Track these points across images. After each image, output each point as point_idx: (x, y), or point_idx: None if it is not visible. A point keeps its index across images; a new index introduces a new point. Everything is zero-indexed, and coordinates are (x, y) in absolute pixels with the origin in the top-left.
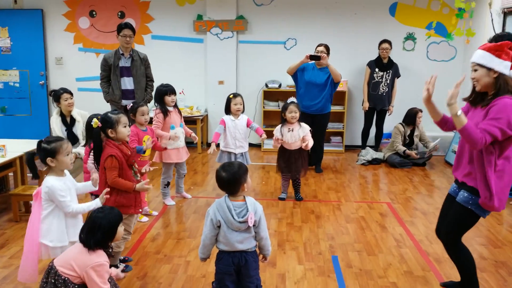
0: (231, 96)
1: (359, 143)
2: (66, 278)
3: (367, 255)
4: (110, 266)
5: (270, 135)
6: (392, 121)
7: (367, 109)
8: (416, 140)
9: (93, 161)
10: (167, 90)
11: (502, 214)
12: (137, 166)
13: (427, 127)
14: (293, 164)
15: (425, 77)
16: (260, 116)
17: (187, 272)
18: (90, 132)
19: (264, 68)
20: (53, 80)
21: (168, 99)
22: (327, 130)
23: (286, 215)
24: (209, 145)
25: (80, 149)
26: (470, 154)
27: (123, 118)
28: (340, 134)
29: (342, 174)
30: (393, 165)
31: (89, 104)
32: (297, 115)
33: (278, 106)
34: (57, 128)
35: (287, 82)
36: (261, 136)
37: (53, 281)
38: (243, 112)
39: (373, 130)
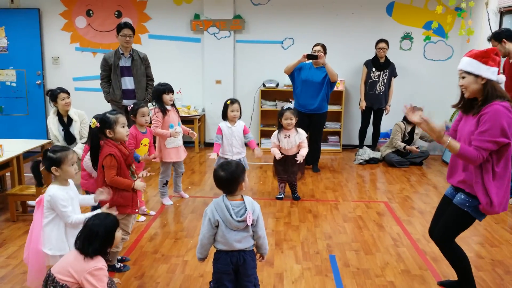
0: (228, 102)
1: (357, 142)
2: (64, 285)
3: (364, 254)
4: (108, 268)
5: (267, 134)
6: (389, 121)
7: (364, 108)
8: (416, 137)
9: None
10: (165, 88)
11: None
12: (134, 167)
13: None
14: (289, 168)
15: (422, 77)
16: (257, 116)
17: (184, 271)
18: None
19: (261, 68)
20: (50, 79)
21: (166, 97)
22: (324, 130)
23: (284, 215)
24: (206, 144)
25: (77, 149)
26: (464, 162)
27: (121, 119)
28: (337, 133)
29: (339, 173)
30: (391, 163)
31: (86, 103)
32: (293, 121)
33: (276, 105)
34: (54, 127)
35: (285, 82)
36: (253, 150)
37: None
38: (240, 118)
39: (370, 130)
